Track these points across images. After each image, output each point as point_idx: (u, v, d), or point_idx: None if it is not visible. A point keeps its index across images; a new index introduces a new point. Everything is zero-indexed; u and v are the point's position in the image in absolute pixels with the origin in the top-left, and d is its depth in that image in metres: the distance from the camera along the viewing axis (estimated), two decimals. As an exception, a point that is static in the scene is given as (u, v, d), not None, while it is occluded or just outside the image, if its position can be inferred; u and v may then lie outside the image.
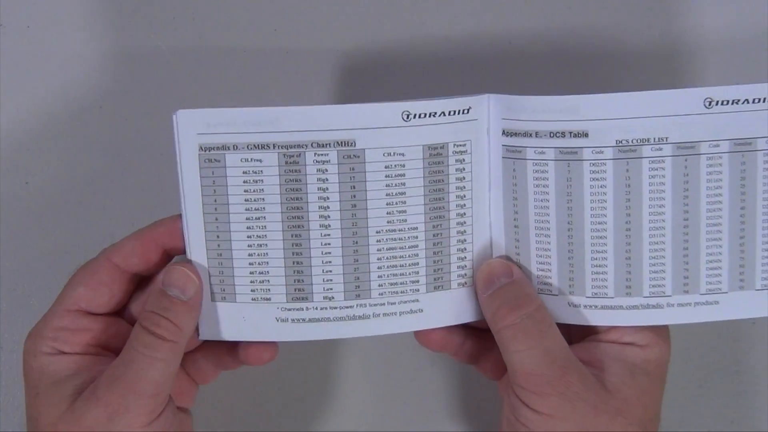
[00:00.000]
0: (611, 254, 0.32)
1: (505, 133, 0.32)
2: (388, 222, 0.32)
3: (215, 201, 0.31)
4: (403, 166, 0.31)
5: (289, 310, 0.32)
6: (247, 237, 0.31)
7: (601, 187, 0.32)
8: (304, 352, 0.43)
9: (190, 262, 0.32)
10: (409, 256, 0.32)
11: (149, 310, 0.31)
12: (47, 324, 0.32)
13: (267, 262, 0.32)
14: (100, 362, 0.32)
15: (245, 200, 0.31)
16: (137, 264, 0.32)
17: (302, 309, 0.32)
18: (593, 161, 0.32)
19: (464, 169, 0.32)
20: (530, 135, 0.32)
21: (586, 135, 0.32)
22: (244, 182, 0.31)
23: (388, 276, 0.32)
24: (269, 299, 0.32)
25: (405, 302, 0.33)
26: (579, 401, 0.30)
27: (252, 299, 0.32)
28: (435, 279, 0.33)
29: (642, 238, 0.32)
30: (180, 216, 0.32)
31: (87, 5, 0.44)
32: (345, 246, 0.32)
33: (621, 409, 0.31)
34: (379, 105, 0.31)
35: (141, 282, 0.34)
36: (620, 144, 0.31)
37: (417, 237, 0.32)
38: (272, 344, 0.33)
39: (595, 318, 0.33)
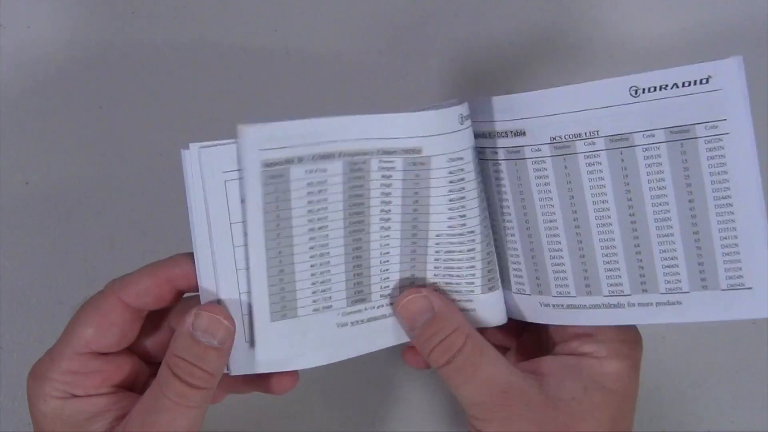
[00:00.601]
0: (566, 253, 0.32)
1: (475, 134, 0.32)
2: (448, 226, 0.32)
3: (278, 216, 0.30)
4: (462, 170, 0.31)
5: (349, 313, 0.32)
6: (310, 248, 0.31)
7: (545, 184, 0.32)
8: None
9: (219, 303, 0.30)
10: (466, 258, 0.32)
11: (179, 355, 0.29)
12: (55, 366, 0.30)
13: (329, 270, 0.32)
14: (118, 400, 0.31)
15: (308, 211, 0.30)
16: (149, 303, 0.31)
17: (361, 310, 0.32)
18: (534, 159, 0.31)
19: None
20: (486, 136, 0.32)
21: (524, 133, 0.31)
22: (308, 193, 0.30)
23: (444, 276, 0.33)
24: (330, 306, 0.32)
25: (459, 301, 0.33)
26: (522, 421, 0.30)
27: (314, 310, 0.32)
28: (489, 280, 0.33)
29: (591, 235, 0.31)
30: (192, 255, 0.30)
31: (87, 6, 0.44)
32: (403, 248, 0.32)
33: (568, 425, 0.30)
34: (441, 111, 0.30)
35: (151, 315, 0.33)
36: (554, 141, 0.31)
37: (474, 240, 0.32)
38: (294, 372, 0.33)
39: (563, 317, 0.33)
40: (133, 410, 0.30)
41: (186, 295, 0.32)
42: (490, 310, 0.33)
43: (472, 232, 0.32)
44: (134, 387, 0.32)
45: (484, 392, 0.30)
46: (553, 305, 0.33)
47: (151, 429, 0.29)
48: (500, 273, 0.34)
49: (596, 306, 0.32)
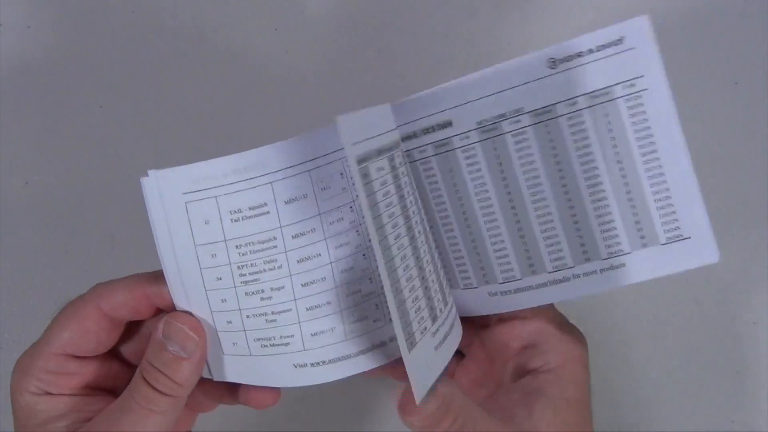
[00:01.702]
0: (506, 236, 0.32)
1: (401, 138, 0.32)
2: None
3: (390, 204, 0.29)
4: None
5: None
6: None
7: (477, 171, 0.32)
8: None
9: (190, 314, 0.30)
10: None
11: (149, 361, 0.30)
12: (33, 363, 0.31)
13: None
14: (91, 402, 0.31)
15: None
16: (126, 315, 0.31)
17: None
18: (463, 148, 0.32)
19: None
20: (411, 137, 0.32)
21: (450, 124, 0.32)
22: (384, 192, 0.29)
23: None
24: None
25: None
26: None
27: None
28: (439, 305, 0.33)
29: (528, 213, 0.32)
30: (162, 273, 0.30)
31: (87, 5, 0.44)
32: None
33: None
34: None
35: (132, 323, 0.33)
36: (481, 125, 0.31)
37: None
38: (275, 389, 0.32)
39: (511, 303, 0.33)
40: (104, 410, 0.30)
41: None
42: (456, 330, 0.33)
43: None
44: (115, 390, 0.32)
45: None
46: (501, 292, 0.33)
47: (114, 427, 0.29)
48: (447, 273, 0.34)
49: (542, 284, 0.32)
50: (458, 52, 0.44)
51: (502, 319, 0.34)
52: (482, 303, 0.33)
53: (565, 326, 0.33)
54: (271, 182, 0.29)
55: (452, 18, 0.45)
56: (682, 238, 0.31)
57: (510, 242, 0.32)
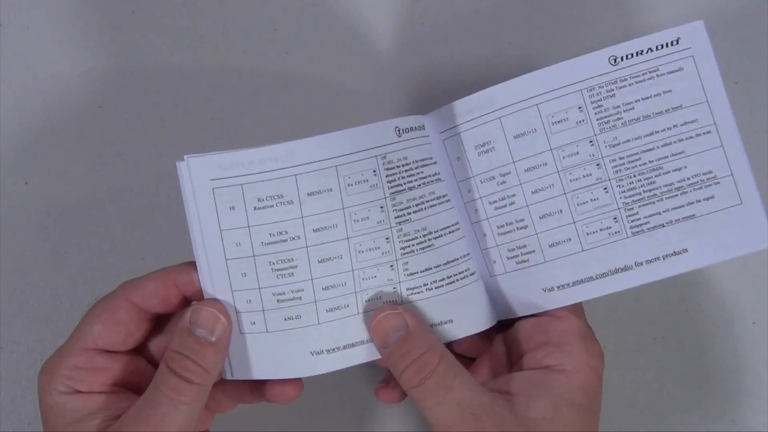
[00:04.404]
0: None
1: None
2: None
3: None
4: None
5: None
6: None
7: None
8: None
9: (217, 300, 0.31)
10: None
11: (175, 349, 0.30)
12: (63, 361, 0.31)
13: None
14: (120, 400, 0.31)
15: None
16: (156, 305, 0.32)
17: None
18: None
19: None
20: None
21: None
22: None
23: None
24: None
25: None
26: None
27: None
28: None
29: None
30: (194, 264, 0.32)
31: (87, 6, 0.44)
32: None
33: None
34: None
35: (160, 319, 0.34)
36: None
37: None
38: (297, 381, 0.33)
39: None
40: (132, 406, 0.30)
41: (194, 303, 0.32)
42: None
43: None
44: (142, 388, 0.32)
45: (456, 415, 0.30)
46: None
47: (144, 423, 0.29)
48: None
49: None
50: (464, 53, 0.44)
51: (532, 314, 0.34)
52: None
53: (590, 337, 0.33)
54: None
55: (455, 18, 0.45)
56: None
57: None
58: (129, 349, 0.32)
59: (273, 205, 0.31)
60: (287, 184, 0.31)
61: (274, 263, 0.31)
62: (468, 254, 0.34)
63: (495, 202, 0.34)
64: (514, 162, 0.34)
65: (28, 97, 0.44)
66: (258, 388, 0.33)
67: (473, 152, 0.34)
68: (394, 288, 0.32)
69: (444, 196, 0.34)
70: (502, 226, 0.34)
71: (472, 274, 0.34)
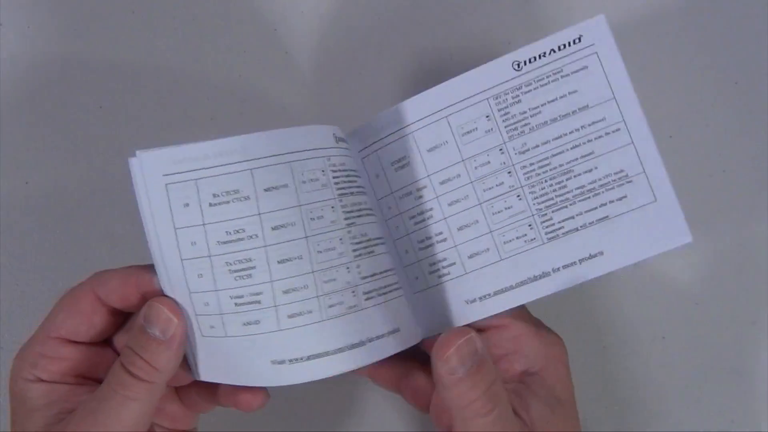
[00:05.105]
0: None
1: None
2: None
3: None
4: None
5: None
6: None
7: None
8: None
9: (171, 299, 0.30)
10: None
11: (128, 346, 0.29)
12: (30, 348, 0.31)
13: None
14: (79, 392, 0.31)
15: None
16: (117, 302, 0.31)
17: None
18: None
19: None
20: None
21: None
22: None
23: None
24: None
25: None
26: None
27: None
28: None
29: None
30: (153, 266, 0.30)
31: (87, 5, 0.44)
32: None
33: None
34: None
35: (129, 314, 0.33)
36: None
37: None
38: (260, 390, 0.32)
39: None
40: (84, 399, 0.30)
41: None
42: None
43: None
44: None
45: None
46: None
47: (90, 417, 0.28)
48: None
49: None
50: (455, 50, 0.44)
51: (477, 328, 0.33)
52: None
53: (541, 329, 0.33)
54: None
55: (453, 16, 0.45)
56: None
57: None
58: (95, 341, 0.32)
59: (229, 201, 0.30)
60: (243, 179, 0.30)
61: (231, 264, 0.30)
62: (395, 269, 0.34)
63: (414, 216, 0.34)
64: (429, 176, 0.34)
65: (28, 97, 0.44)
66: (228, 392, 0.33)
67: (390, 168, 0.34)
68: (353, 292, 0.31)
69: (372, 209, 0.34)
70: (423, 240, 0.34)
71: (400, 288, 0.34)
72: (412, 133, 0.34)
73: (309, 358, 0.30)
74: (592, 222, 0.32)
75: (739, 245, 0.43)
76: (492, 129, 0.33)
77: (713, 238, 0.43)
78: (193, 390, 0.34)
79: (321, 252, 0.31)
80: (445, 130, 0.33)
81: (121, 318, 0.33)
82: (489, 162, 0.33)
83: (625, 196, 0.32)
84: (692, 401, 0.43)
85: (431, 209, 0.34)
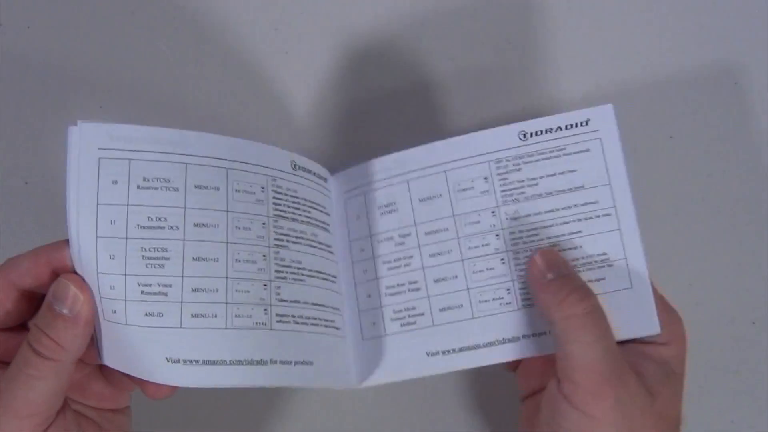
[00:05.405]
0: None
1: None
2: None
3: None
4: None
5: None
6: None
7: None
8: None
9: (77, 275, 0.30)
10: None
11: (34, 323, 0.29)
12: None
13: None
14: None
15: None
16: (31, 283, 0.31)
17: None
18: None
19: None
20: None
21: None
22: None
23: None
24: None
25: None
26: (630, 405, 0.29)
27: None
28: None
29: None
30: (66, 242, 0.30)
31: (87, 5, 0.44)
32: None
33: (662, 413, 0.30)
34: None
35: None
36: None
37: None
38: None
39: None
40: None
41: None
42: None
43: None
44: None
45: (609, 360, 0.29)
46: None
47: None
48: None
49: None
50: (448, 70, 0.44)
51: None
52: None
53: (670, 308, 0.33)
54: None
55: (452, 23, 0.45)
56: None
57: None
58: (9, 326, 0.31)
59: (158, 188, 0.30)
60: (176, 170, 0.30)
61: (146, 250, 0.30)
62: (338, 309, 0.34)
63: (389, 262, 0.34)
64: (416, 224, 0.34)
65: (28, 97, 0.44)
66: (138, 379, 0.31)
67: (375, 212, 0.35)
68: (265, 310, 0.31)
69: (329, 246, 0.34)
70: (393, 286, 0.34)
71: (337, 328, 0.34)
72: (408, 182, 0.34)
73: (205, 362, 0.30)
74: None
75: (739, 245, 0.43)
76: (488, 191, 0.34)
77: (713, 238, 0.43)
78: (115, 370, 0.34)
79: (239, 261, 0.31)
80: (442, 183, 0.34)
81: (37, 302, 0.32)
82: (479, 221, 0.34)
83: (603, 278, 0.33)
84: (692, 401, 0.43)
85: (410, 257, 0.34)
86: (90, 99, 0.44)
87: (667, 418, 0.30)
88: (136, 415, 0.36)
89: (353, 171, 0.36)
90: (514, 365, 0.36)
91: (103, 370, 0.34)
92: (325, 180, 0.35)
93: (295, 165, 0.33)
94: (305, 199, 0.34)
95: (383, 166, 0.35)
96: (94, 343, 0.30)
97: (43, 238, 0.43)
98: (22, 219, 0.43)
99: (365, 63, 0.44)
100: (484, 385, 0.43)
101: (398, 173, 0.35)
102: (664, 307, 0.33)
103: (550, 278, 0.31)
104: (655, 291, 0.33)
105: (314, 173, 0.35)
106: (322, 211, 0.34)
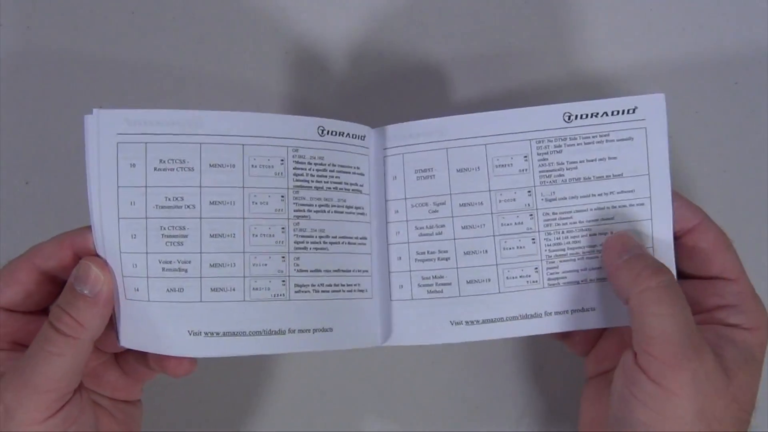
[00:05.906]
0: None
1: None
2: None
3: None
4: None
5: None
6: None
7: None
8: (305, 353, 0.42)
9: (100, 257, 0.31)
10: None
11: (57, 304, 0.30)
12: None
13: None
14: (15, 357, 0.31)
15: None
16: (55, 267, 0.32)
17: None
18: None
19: None
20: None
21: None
22: None
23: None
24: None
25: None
26: (706, 382, 0.29)
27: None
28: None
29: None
30: (89, 227, 0.31)
31: (87, 6, 0.44)
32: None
33: (737, 396, 0.30)
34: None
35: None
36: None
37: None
38: (188, 357, 0.32)
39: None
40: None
41: None
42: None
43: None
44: None
45: (686, 333, 0.29)
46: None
47: (17, 373, 0.29)
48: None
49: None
50: (460, 56, 0.44)
51: (697, 276, 0.34)
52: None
53: (756, 296, 0.33)
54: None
55: (458, 21, 0.45)
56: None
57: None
58: (33, 310, 0.33)
59: (174, 169, 0.31)
60: (191, 151, 0.31)
61: (165, 228, 0.31)
62: (366, 271, 0.34)
63: (422, 228, 0.34)
64: (451, 194, 0.34)
65: (28, 97, 0.44)
66: (156, 356, 0.33)
67: (412, 175, 0.35)
68: (283, 281, 0.32)
69: (359, 208, 0.34)
70: (423, 253, 0.34)
71: (362, 291, 0.34)
72: (447, 149, 0.34)
73: (225, 334, 0.32)
74: (593, 279, 0.33)
75: (739, 245, 0.43)
76: (526, 170, 0.34)
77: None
78: (130, 356, 0.34)
79: (256, 236, 0.32)
80: (481, 156, 0.34)
81: (59, 287, 0.33)
82: (515, 199, 0.34)
83: None
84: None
85: (442, 226, 0.34)
86: (90, 99, 0.44)
87: (740, 402, 0.30)
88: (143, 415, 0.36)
89: (394, 128, 0.35)
90: (561, 335, 0.36)
91: (118, 360, 0.35)
92: (363, 138, 0.35)
93: (322, 130, 0.33)
94: (333, 165, 0.34)
95: (424, 129, 0.34)
96: (112, 327, 0.32)
97: (43, 238, 0.43)
98: (22, 219, 0.43)
99: (366, 64, 0.44)
100: (488, 384, 0.43)
101: (438, 139, 0.34)
102: (752, 294, 0.33)
103: (626, 258, 0.31)
104: (746, 278, 0.34)
105: (348, 134, 0.34)
106: (354, 173, 0.34)
